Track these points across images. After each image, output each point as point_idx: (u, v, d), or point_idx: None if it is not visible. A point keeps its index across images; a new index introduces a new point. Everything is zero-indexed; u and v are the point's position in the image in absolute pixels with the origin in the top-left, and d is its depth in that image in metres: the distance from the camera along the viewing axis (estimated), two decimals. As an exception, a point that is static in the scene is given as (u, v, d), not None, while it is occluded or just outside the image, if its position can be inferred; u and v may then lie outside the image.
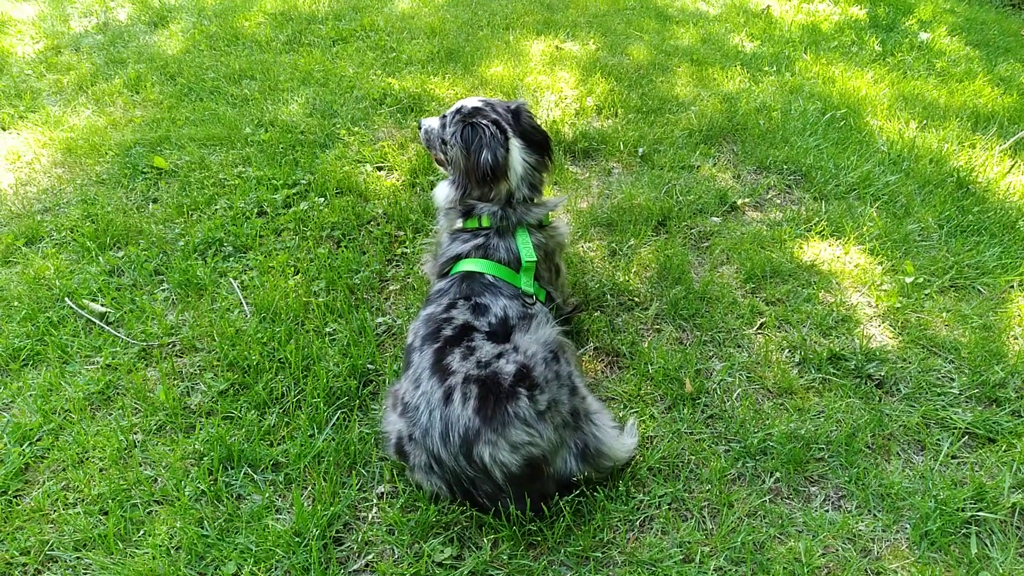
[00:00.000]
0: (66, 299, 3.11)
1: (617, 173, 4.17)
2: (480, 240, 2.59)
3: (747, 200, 3.91)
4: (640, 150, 4.30)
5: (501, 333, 2.37)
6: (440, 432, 2.13)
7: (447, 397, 2.15)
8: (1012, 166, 4.31)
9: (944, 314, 3.15)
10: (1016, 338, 3.05)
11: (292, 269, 3.31)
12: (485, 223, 2.62)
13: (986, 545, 2.26)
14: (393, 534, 2.25)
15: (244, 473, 2.42)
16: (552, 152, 2.78)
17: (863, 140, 4.57)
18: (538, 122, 2.78)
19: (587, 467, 2.28)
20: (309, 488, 2.39)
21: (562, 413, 2.21)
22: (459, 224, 2.67)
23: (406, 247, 3.46)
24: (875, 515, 2.35)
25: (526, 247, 2.57)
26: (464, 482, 2.17)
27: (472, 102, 2.71)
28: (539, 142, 2.69)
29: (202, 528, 2.24)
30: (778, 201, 3.96)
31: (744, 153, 4.36)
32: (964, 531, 2.29)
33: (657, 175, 4.07)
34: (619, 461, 2.39)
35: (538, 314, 2.48)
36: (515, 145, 2.60)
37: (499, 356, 2.25)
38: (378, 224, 3.61)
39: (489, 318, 2.40)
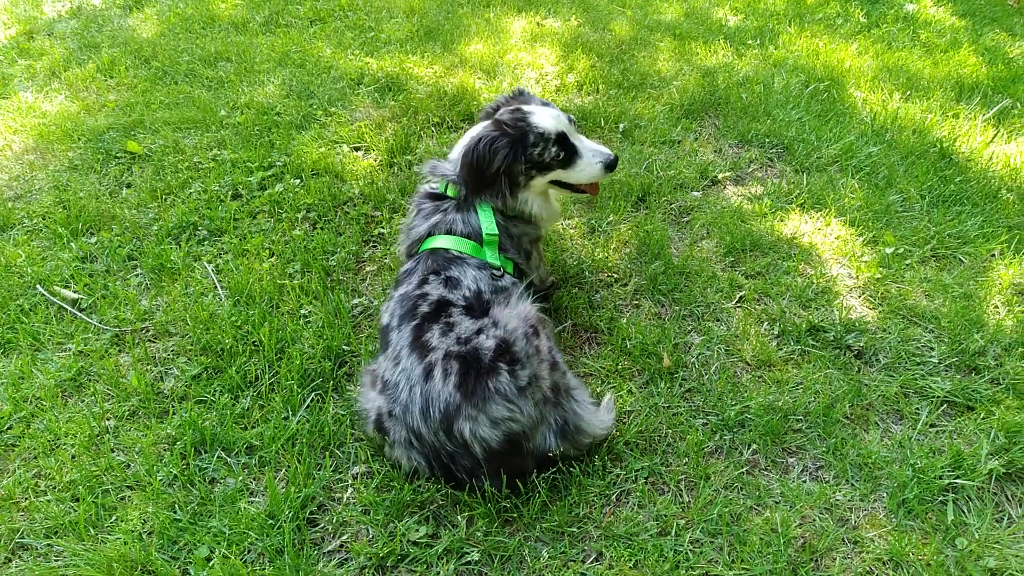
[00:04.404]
0: (38, 286, 3.07)
1: (597, 149, 4.12)
2: (438, 217, 2.54)
3: (728, 174, 3.87)
4: (621, 126, 4.25)
5: (478, 307, 2.34)
6: (420, 408, 2.12)
7: (428, 373, 2.13)
8: (995, 135, 4.28)
9: (925, 284, 3.14)
10: (996, 306, 3.04)
11: (267, 252, 3.27)
12: (451, 192, 2.57)
13: (963, 512, 2.26)
14: (368, 514, 2.23)
15: (217, 457, 2.40)
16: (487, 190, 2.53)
17: (846, 112, 4.53)
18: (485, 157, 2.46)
19: (566, 444, 2.26)
20: (283, 470, 2.37)
21: (543, 389, 2.20)
22: (431, 185, 2.65)
23: (383, 228, 3.41)
24: (853, 485, 2.34)
25: (487, 221, 2.51)
26: (443, 457, 2.16)
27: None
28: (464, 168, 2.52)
29: (175, 513, 2.22)
30: (759, 174, 3.93)
31: (726, 127, 4.32)
32: (941, 499, 2.28)
33: (638, 151, 4.03)
34: (597, 438, 2.38)
35: (513, 288, 2.45)
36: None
37: (479, 332, 2.23)
38: (355, 205, 3.56)
39: (463, 291, 2.37)
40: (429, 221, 2.56)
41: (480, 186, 2.49)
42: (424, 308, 2.31)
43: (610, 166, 2.60)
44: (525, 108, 2.57)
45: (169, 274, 3.16)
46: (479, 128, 2.54)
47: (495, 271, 2.48)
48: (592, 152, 2.59)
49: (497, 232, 2.51)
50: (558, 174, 2.60)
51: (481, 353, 2.15)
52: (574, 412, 2.29)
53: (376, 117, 4.28)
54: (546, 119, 2.52)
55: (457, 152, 2.58)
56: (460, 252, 2.47)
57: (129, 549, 2.11)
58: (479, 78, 4.76)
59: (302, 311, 2.94)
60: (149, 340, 2.87)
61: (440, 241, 2.50)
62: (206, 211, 3.49)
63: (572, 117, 2.64)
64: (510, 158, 2.45)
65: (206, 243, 3.34)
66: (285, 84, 4.64)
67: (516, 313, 2.31)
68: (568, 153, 2.55)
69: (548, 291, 2.95)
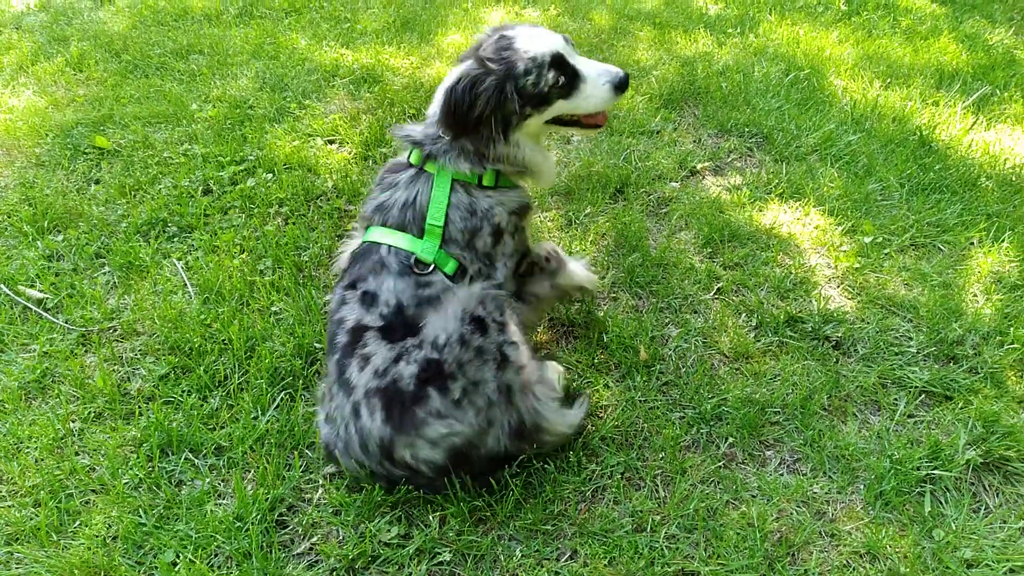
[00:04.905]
0: (1, 285, 2.99)
1: (576, 141, 4.08)
2: (386, 196, 2.24)
3: (707, 164, 3.84)
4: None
5: (399, 326, 2.12)
6: (359, 444, 2.09)
7: (356, 412, 2.08)
8: (974, 123, 4.27)
9: (903, 273, 3.12)
10: (975, 295, 3.02)
11: (238, 248, 3.20)
12: (414, 160, 2.25)
13: (940, 503, 2.24)
14: (339, 515, 2.19)
15: (185, 458, 2.35)
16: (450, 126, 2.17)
17: (826, 100, 4.50)
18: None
19: (524, 444, 2.18)
20: (252, 472, 2.32)
21: (486, 393, 2.06)
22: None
23: (357, 222, 3.36)
24: (830, 477, 2.32)
25: (438, 205, 2.18)
26: (398, 478, 2.14)
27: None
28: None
29: (140, 517, 2.17)
30: (738, 164, 3.90)
31: (705, 117, 4.29)
32: (919, 490, 2.26)
33: (616, 141, 3.99)
34: (561, 437, 2.29)
35: (445, 295, 2.18)
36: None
37: (397, 359, 2.06)
38: (328, 199, 3.50)
39: (380, 308, 2.15)
40: (376, 200, 2.28)
41: (462, 132, 2.15)
42: (341, 338, 2.15)
43: (620, 86, 2.20)
44: (509, 34, 2.19)
45: (137, 272, 3.10)
46: (460, 67, 2.19)
47: (418, 268, 2.17)
48: (597, 72, 2.20)
49: (442, 223, 2.18)
50: (560, 107, 2.22)
51: (401, 384, 2.02)
52: (533, 410, 2.16)
53: (351, 109, 4.22)
54: (536, 41, 2.15)
55: (435, 103, 2.24)
56: (393, 247, 2.19)
57: (93, 555, 2.06)
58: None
59: (273, 308, 2.89)
60: (116, 340, 2.81)
61: (375, 233, 2.24)
62: (176, 207, 3.42)
63: (568, 37, 2.26)
64: (495, 99, 2.08)
65: (176, 240, 3.28)
66: (258, 77, 4.57)
67: (452, 312, 2.10)
68: (569, 78, 2.17)
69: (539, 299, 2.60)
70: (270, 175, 3.62)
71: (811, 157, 3.92)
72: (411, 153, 2.28)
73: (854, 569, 2.07)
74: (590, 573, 2.03)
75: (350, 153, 3.86)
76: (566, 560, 2.09)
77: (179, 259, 3.16)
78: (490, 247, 2.29)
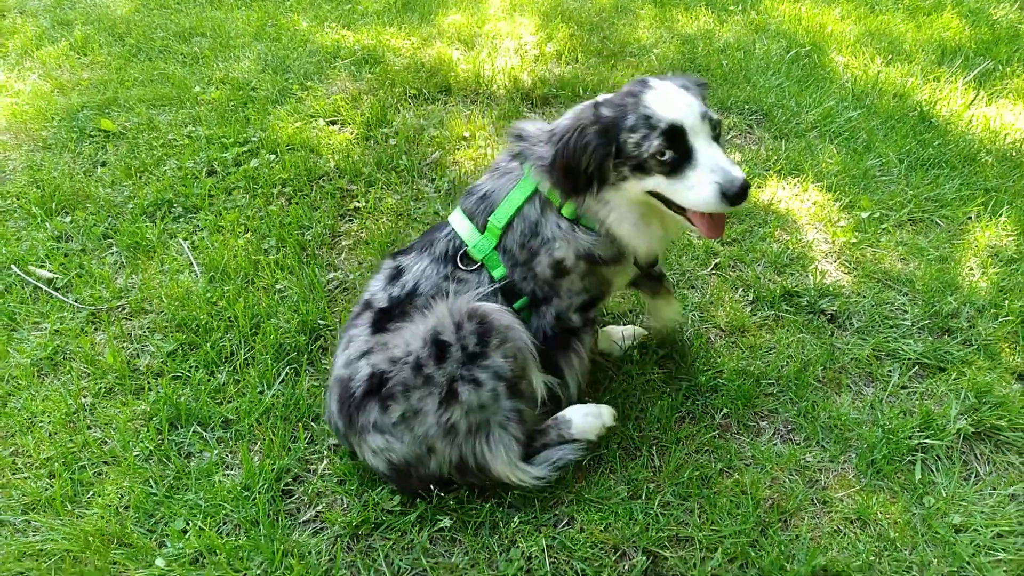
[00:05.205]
0: (12, 266, 3.05)
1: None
2: (480, 180, 2.21)
3: (707, 141, 3.85)
4: (600, 96, 4.21)
5: (398, 314, 2.08)
6: (333, 424, 2.21)
7: (329, 392, 2.20)
8: (975, 98, 4.26)
9: (900, 248, 3.15)
10: (971, 269, 3.05)
11: (242, 227, 3.25)
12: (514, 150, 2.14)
13: (931, 471, 2.29)
14: (343, 484, 2.25)
15: (193, 431, 2.41)
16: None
17: (827, 77, 4.50)
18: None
19: (470, 478, 2.14)
20: (259, 444, 2.38)
21: (426, 424, 2.01)
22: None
23: (358, 201, 3.40)
24: (823, 446, 2.37)
25: (508, 206, 2.06)
26: None
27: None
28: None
29: (151, 487, 2.24)
30: (738, 142, 3.92)
31: (705, 94, 4.29)
32: (910, 459, 2.31)
33: (616, 120, 4.00)
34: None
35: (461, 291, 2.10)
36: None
37: (364, 355, 2.06)
38: (330, 179, 3.54)
39: (395, 289, 2.14)
40: (475, 183, 2.23)
41: (574, 190, 1.97)
42: (356, 307, 2.23)
43: (730, 195, 1.81)
44: (650, 81, 1.96)
45: (144, 252, 3.15)
46: (578, 107, 2.07)
47: (463, 263, 2.11)
48: (711, 167, 1.84)
49: (502, 226, 2.07)
50: (659, 183, 1.91)
51: (352, 384, 2.05)
52: (480, 455, 2.08)
53: (352, 90, 4.24)
54: (663, 101, 1.87)
55: (565, 119, 2.08)
56: (454, 232, 2.16)
57: (106, 523, 2.13)
58: (457, 49, 4.72)
59: (277, 286, 2.94)
60: (125, 318, 2.87)
61: (454, 214, 2.21)
62: (181, 188, 3.47)
63: (715, 116, 1.92)
64: (601, 151, 1.89)
65: (181, 220, 3.33)
66: (260, 59, 4.60)
67: (424, 326, 2.00)
68: (679, 156, 1.86)
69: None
70: (273, 156, 3.66)
71: (810, 134, 3.94)
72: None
73: (845, 534, 2.13)
74: (586, 539, 2.09)
75: (352, 134, 3.90)
76: (563, 526, 2.15)
77: (185, 239, 3.21)
78: (550, 278, 2.14)
